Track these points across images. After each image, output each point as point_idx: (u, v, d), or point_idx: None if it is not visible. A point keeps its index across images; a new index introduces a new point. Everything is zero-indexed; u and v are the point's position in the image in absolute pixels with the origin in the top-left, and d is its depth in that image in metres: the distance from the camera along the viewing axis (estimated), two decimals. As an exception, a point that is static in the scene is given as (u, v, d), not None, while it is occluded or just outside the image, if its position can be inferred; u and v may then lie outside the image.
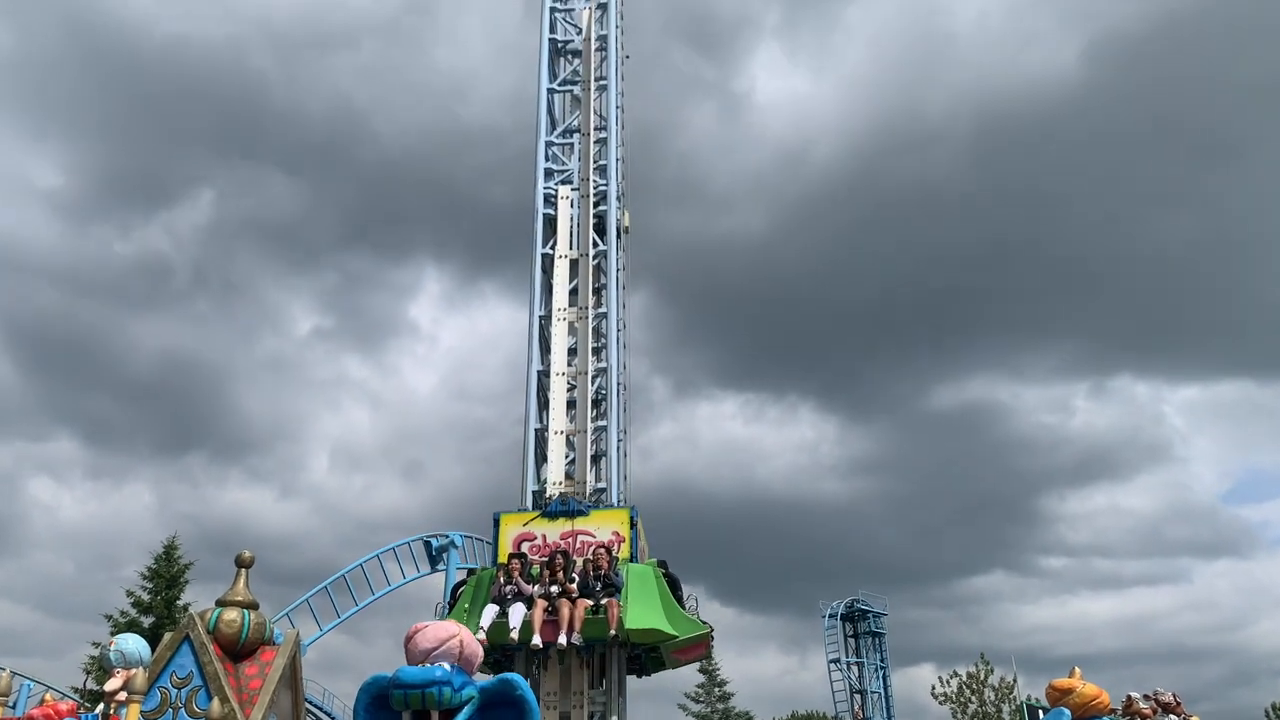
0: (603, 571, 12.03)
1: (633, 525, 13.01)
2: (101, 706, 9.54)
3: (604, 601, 11.70)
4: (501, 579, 12.18)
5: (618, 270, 15.26)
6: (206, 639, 10.30)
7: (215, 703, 9.61)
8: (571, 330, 15.22)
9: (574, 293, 15.49)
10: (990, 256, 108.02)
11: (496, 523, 13.24)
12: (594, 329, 15.18)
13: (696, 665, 38.12)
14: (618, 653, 12.48)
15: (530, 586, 11.92)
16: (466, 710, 5.80)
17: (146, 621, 27.92)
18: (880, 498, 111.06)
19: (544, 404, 14.77)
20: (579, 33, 17.87)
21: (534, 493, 14.12)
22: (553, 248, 15.75)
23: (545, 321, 15.27)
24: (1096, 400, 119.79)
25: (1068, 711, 7.14)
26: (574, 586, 11.81)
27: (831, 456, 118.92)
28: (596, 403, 14.64)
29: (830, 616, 53.78)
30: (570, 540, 12.94)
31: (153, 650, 10.40)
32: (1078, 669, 7.58)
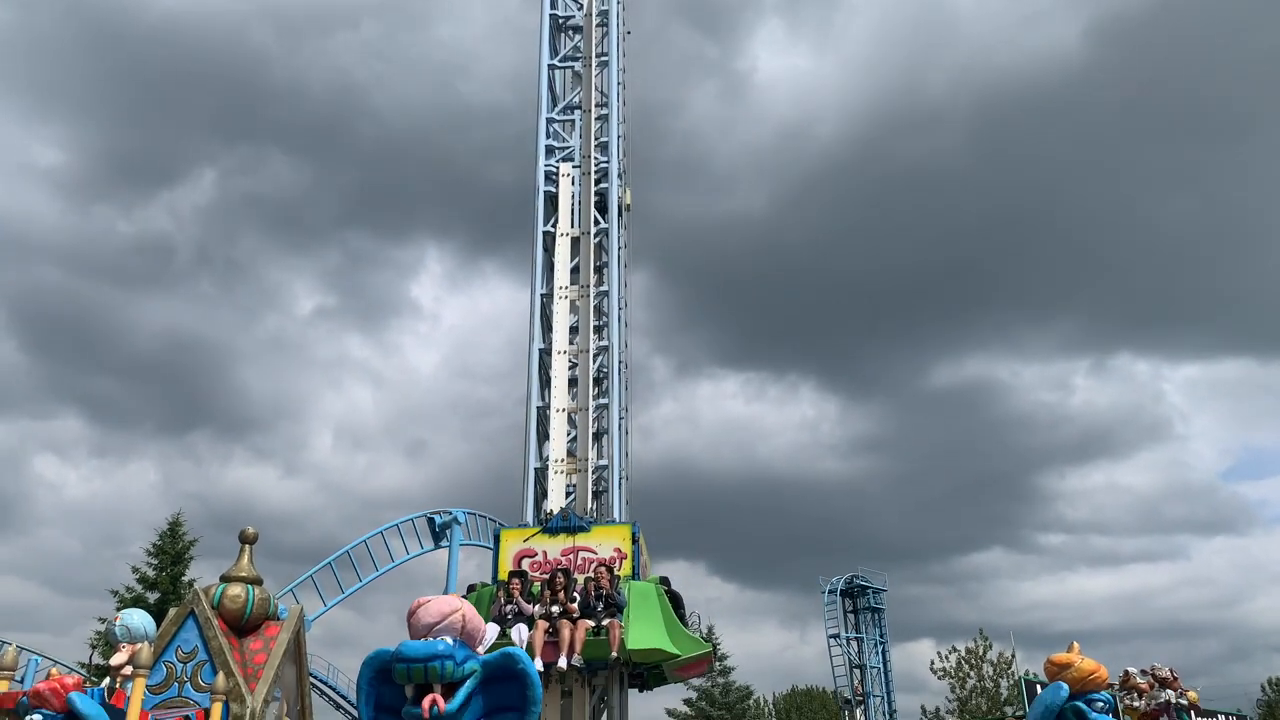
0: (604, 591, 11.86)
1: (634, 541, 12.91)
2: (108, 680, 9.65)
3: (605, 622, 11.58)
4: (502, 598, 12.00)
5: (619, 248, 15.23)
6: (211, 614, 10.40)
7: (220, 677, 9.73)
8: (573, 308, 15.21)
9: (575, 271, 15.47)
10: (991, 235, 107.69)
11: (497, 539, 13.16)
12: (595, 307, 15.16)
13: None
14: (620, 673, 12.40)
15: (531, 606, 11.74)
16: (469, 684, 5.84)
17: (152, 597, 28.13)
18: (880, 475, 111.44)
19: (546, 382, 14.79)
20: (580, 8, 17.74)
21: (535, 499, 14.02)
22: (554, 225, 15.71)
23: (547, 300, 15.25)
24: (1097, 378, 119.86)
25: (1066, 686, 7.19)
26: (575, 606, 11.65)
27: (832, 435, 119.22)
28: (598, 380, 14.64)
29: (830, 592, 54.13)
30: (571, 557, 12.83)
31: (158, 626, 10.52)
32: (1076, 644, 7.63)
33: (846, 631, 53.59)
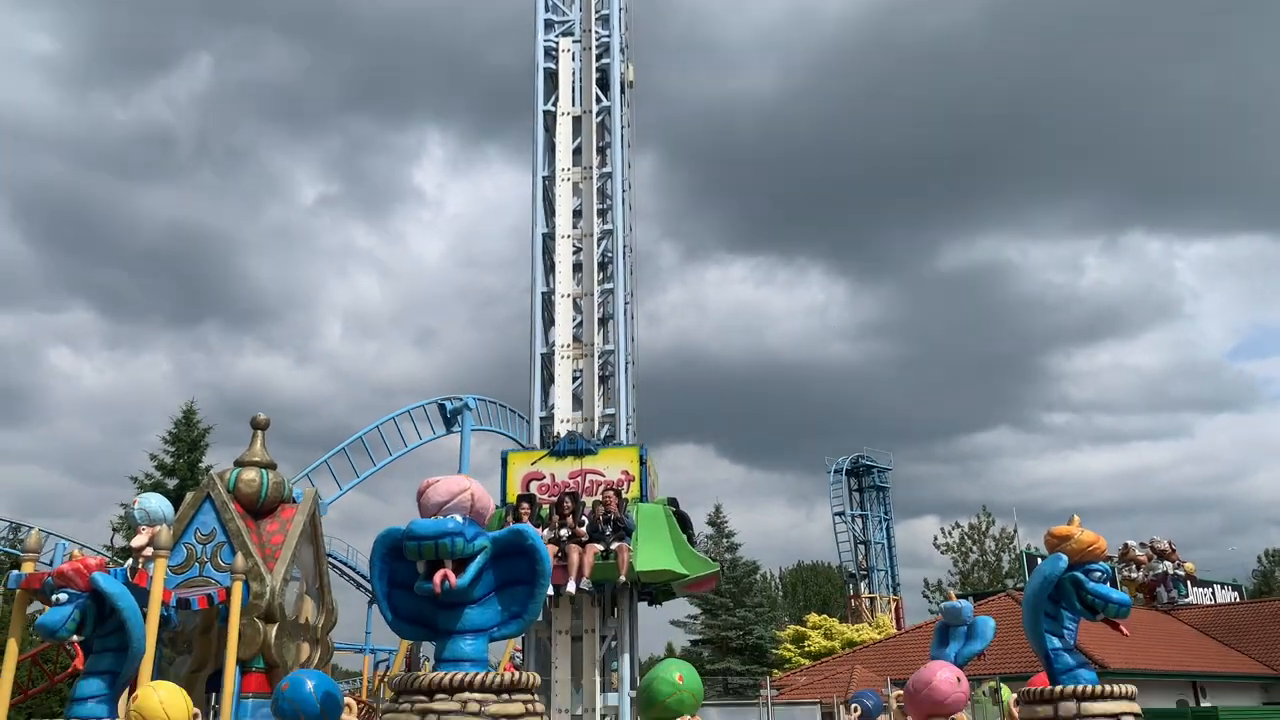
0: (612, 515, 11.87)
1: (642, 463, 12.84)
2: (130, 562, 9.95)
3: (614, 546, 11.64)
4: (510, 522, 11.90)
5: (622, 127, 14.77)
6: (227, 497, 10.66)
7: (239, 557, 10.03)
8: (576, 191, 14.89)
9: (577, 152, 15.06)
10: (1003, 113, 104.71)
11: (504, 462, 13.09)
12: (599, 189, 14.83)
13: (704, 518, 39.32)
14: (629, 592, 12.52)
15: (539, 530, 11.60)
16: (479, 559, 5.98)
17: (171, 484, 28.79)
18: (888, 358, 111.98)
19: (550, 267, 14.63)
20: None
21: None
22: (554, 104, 15.22)
23: (549, 182, 14.92)
24: (1107, 257, 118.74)
25: (1065, 557, 7.31)
26: (583, 530, 11.71)
27: (840, 318, 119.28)
28: (603, 265, 14.44)
29: (836, 472, 55.23)
30: (579, 480, 12.76)
31: (176, 510, 10.78)
32: (1076, 517, 7.73)
33: (851, 509, 54.94)
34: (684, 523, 12.94)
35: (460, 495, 6.08)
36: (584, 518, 11.95)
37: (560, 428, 13.74)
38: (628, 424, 13.50)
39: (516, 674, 5.89)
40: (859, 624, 42.35)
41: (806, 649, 37.46)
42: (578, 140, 15.10)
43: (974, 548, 55.61)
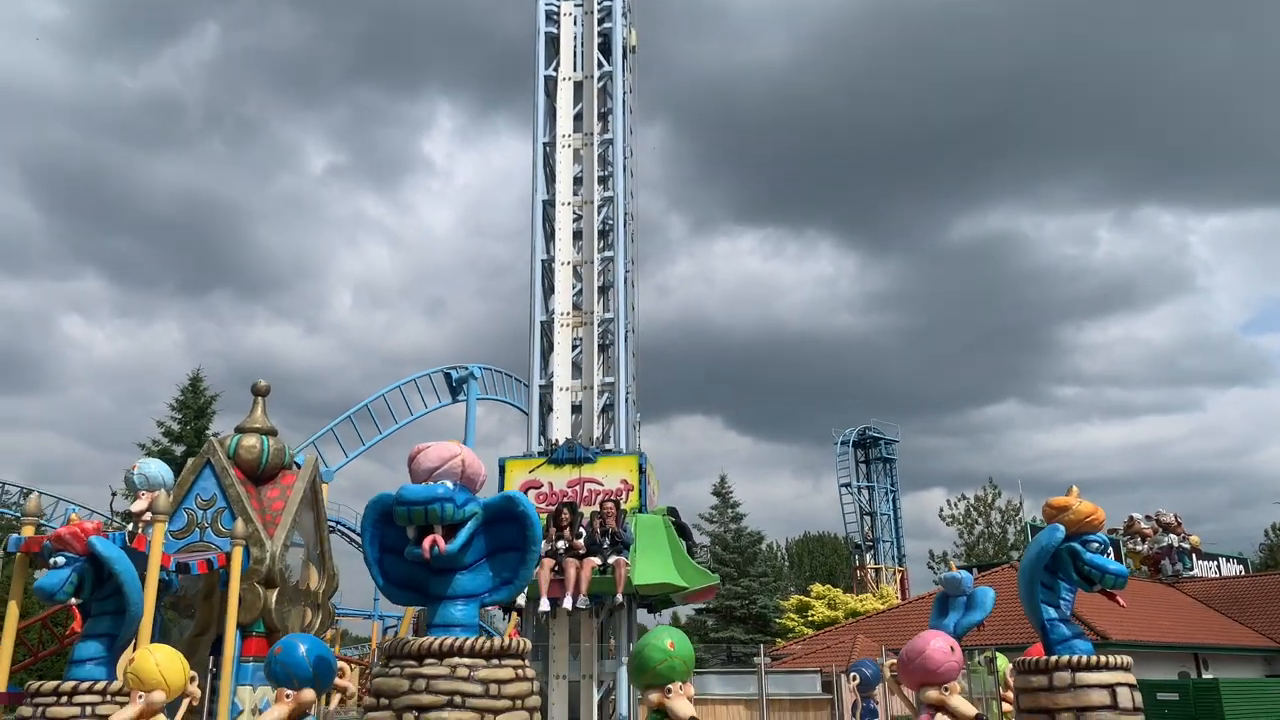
0: (610, 528, 11.64)
1: (641, 472, 12.63)
2: (130, 526, 10.01)
3: (611, 560, 11.43)
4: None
5: (624, 93, 14.57)
6: (227, 463, 10.67)
7: (239, 522, 10.06)
8: (577, 158, 14.71)
9: (578, 118, 14.88)
10: (1017, 83, 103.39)
11: (502, 469, 12.92)
12: (600, 156, 14.65)
13: (710, 489, 39.40)
14: (627, 607, 12.29)
15: None
16: (470, 525, 5.98)
17: (178, 450, 28.97)
18: (897, 330, 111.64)
19: (550, 234, 14.51)
20: None
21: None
22: (555, 69, 15.00)
23: (550, 149, 14.74)
24: (1120, 230, 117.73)
25: (1062, 528, 7.28)
26: (580, 543, 11.50)
27: (849, 291, 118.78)
28: (603, 233, 14.32)
29: (842, 443, 55.23)
30: (578, 489, 12.57)
31: (178, 476, 10.82)
32: (1075, 488, 7.69)
33: (858, 481, 54.99)
34: (684, 534, 12.75)
35: (450, 461, 6.06)
36: (581, 529, 11.68)
37: (559, 396, 13.69)
38: (626, 393, 13.43)
39: (507, 639, 5.90)
40: (864, 594, 42.52)
41: (810, 619, 37.65)
42: (579, 106, 14.92)
43: (979, 520, 55.72)
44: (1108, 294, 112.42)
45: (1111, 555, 7.38)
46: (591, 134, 14.68)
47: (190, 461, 11.18)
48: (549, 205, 14.52)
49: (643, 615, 13.72)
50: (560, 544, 11.54)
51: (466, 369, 40.19)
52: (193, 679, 7.41)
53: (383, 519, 6.20)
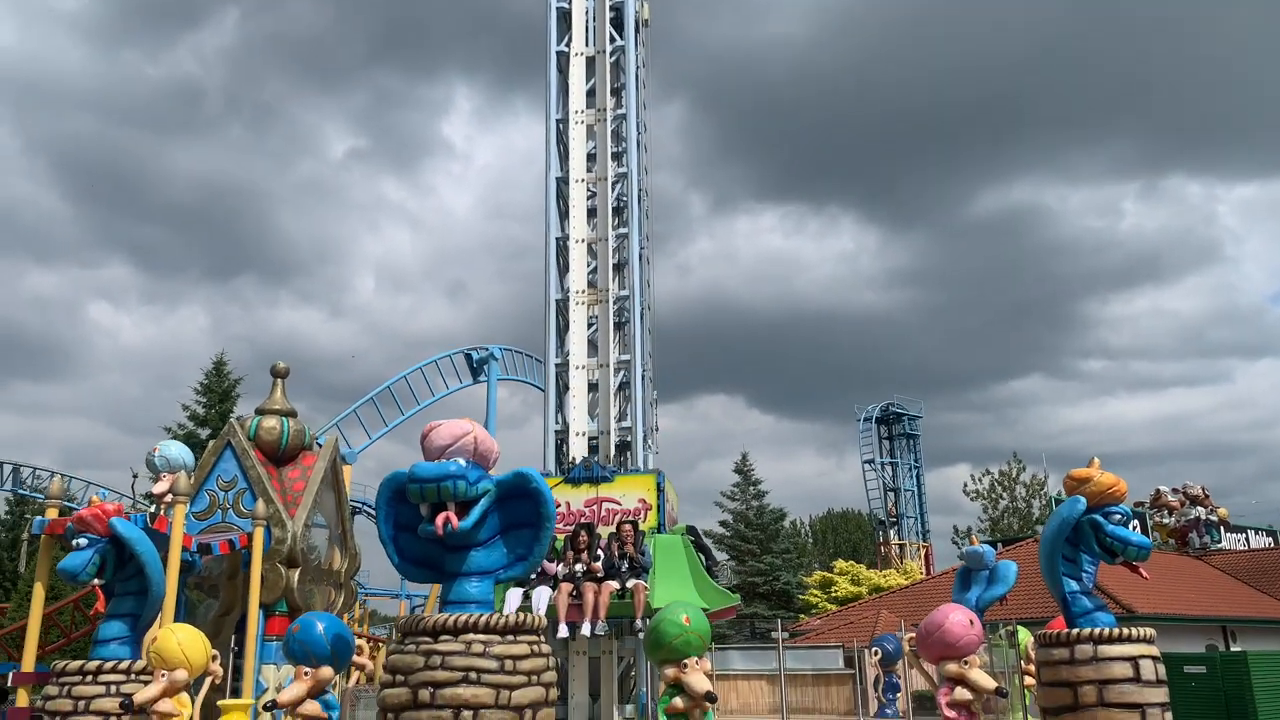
0: (628, 553, 11.36)
1: (659, 490, 12.38)
2: (152, 507, 10.13)
3: (630, 584, 11.12)
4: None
5: (636, 67, 14.41)
6: (248, 445, 10.75)
7: (260, 503, 10.14)
8: (590, 134, 14.58)
9: (591, 94, 14.73)
10: (1039, 55, 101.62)
11: None
12: (613, 132, 14.50)
13: (731, 465, 39.38)
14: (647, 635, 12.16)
15: (554, 565, 11.30)
16: (483, 502, 5.96)
17: (203, 434, 29.22)
18: (920, 306, 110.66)
19: (564, 212, 14.41)
20: None
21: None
22: (568, 45, 14.86)
23: (562, 125, 14.62)
24: (1146, 201, 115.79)
25: (1083, 500, 7.18)
26: (599, 566, 11.19)
27: (871, 267, 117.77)
28: (618, 210, 14.20)
29: (866, 420, 54.91)
30: (595, 508, 12.38)
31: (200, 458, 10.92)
32: (1096, 459, 7.58)
33: (881, 457, 54.72)
34: (704, 553, 12.53)
35: (463, 439, 6.03)
36: (599, 552, 11.39)
37: (575, 374, 13.66)
38: (643, 370, 13.37)
39: (521, 615, 5.90)
40: (887, 570, 42.43)
41: (833, 595, 37.64)
42: (591, 81, 14.76)
43: (1004, 494, 55.33)
44: (1134, 266, 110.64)
45: (1135, 527, 7.27)
46: (605, 109, 14.54)
47: (211, 444, 11.27)
48: (563, 182, 14.41)
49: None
50: (578, 567, 11.26)
51: (487, 350, 40.27)
52: (215, 657, 7.49)
53: (396, 497, 6.19)
